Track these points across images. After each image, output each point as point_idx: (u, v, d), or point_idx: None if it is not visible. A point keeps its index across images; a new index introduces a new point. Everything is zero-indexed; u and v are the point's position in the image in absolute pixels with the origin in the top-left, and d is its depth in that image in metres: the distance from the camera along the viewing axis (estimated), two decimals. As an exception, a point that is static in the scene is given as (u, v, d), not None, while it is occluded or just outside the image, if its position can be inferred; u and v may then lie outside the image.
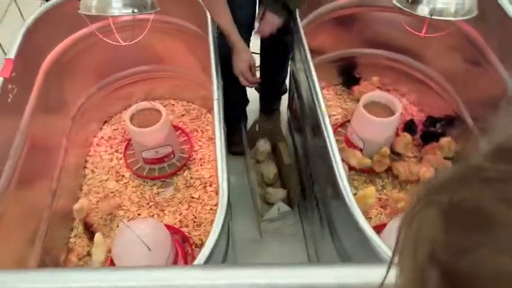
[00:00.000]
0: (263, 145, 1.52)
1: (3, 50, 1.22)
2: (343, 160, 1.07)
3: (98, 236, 1.26)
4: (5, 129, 1.12)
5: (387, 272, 0.32)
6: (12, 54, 1.18)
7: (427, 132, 1.55)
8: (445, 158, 1.45)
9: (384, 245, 0.82)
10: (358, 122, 1.47)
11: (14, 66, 1.15)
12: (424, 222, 0.29)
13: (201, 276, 0.48)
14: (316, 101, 1.09)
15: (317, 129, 1.13)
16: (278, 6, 1.27)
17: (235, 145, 1.56)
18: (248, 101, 1.63)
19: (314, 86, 1.11)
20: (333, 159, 0.97)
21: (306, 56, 1.17)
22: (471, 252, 0.25)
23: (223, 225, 0.88)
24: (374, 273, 0.43)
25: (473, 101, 1.39)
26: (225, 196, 0.92)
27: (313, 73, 1.13)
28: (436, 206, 0.28)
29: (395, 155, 1.53)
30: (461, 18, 1.15)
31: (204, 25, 1.35)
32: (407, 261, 0.30)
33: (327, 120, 1.05)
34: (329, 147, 0.99)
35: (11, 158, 1.12)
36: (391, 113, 1.47)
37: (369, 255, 0.84)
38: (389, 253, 0.81)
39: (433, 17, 1.14)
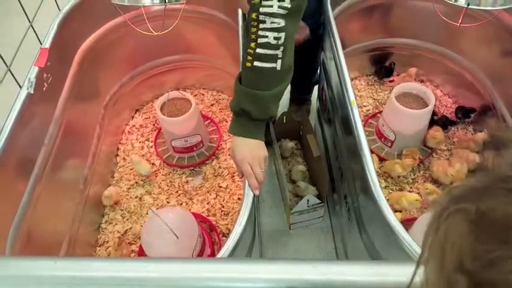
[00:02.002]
0: (286, 144, 1.52)
1: (38, 39, 1.25)
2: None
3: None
4: (40, 117, 1.16)
5: (413, 277, 0.32)
6: (47, 44, 1.21)
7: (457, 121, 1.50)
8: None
9: (412, 242, 0.80)
10: (390, 113, 1.43)
11: (48, 55, 1.18)
12: (451, 230, 0.29)
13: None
14: (345, 92, 1.06)
15: (346, 121, 1.10)
16: None
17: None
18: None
19: (344, 77, 1.08)
20: (361, 152, 0.95)
21: (336, 45, 1.14)
22: (501, 263, 0.25)
23: (249, 216, 0.88)
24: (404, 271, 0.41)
25: (510, 94, 1.31)
26: (250, 193, 0.91)
27: (343, 63, 1.10)
28: (463, 214, 0.28)
29: (427, 148, 1.48)
30: (500, 7, 1.08)
31: (234, 15, 1.34)
32: (434, 268, 0.29)
33: (356, 112, 1.02)
34: (357, 140, 0.97)
35: (45, 145, 1.16)
36: (424, 104, 1.42)
37: (396, 250, 0.82)
38: (418, 250, 0.79)
39: (471, 6, 1.08)
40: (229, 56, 1.55)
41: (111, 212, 1.44)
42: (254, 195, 0.91)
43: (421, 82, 1.65)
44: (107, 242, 1.37)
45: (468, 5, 1.08)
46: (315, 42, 1.45)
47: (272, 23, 0.82)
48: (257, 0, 0.82)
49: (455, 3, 1.08)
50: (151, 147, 1.60)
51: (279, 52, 0.84)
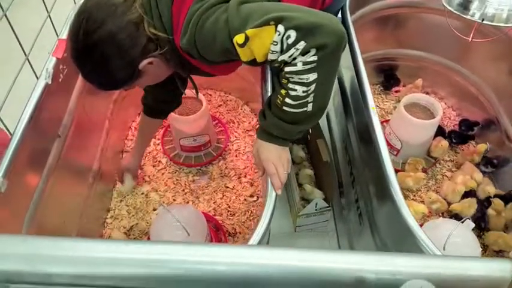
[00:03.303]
0: (297, 150, 1.54)
1: (55, 31, 1.24)
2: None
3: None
4: (56, 108, 1.15)
5: None
6: (64, 35, 1.20)
7: (461, 135, 1.54)
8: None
9: (430, 242, 0.83)
10: (397, 122, 1.46)
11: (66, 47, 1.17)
12: None
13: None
14: (365, 99, 1.08)
15: (362, 127, 1.13)
16: None
17: None
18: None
19: (363, 84, 1.11)
20: (381, 157, 0.97)
21: (355, 52, 1.16)
22: None
23: (271, 215, 0.89)
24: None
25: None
26: (273, 192, 0.92)
27: (363, 70, 1.12)
28: None
29: (431, 158, 1.52)
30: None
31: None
32: None
33: (376, 119, 1.04)
34: (377, 145, 0.99)
35: (59, 136, 1.14)
36: (431, 115, 1.46)
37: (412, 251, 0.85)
38: (435, 250, 0.81)
39: (484, 21, 1.12)
40: (241, 57, 1.56)
41: (117, 208, 1.43)
42: (276, 195, 0.92)
43: (425, 94, 1.70)
44: (110, 237, 1.36)
45: (482, 20, 1.12)
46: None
47: (300, 79, 0.78)
48: (278, 65, 0.79)
49: (470, 18, 1.12)
50: (158, 144, 1.59)
51: (308, 99, 0.80)
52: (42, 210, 1.01)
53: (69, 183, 1.19)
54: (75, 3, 1.33)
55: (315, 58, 0.76)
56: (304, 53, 0.76)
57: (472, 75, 1.52)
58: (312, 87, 0.79)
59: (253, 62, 0.84)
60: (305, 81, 0.78)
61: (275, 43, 0.76)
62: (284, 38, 0.75)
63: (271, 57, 0.79)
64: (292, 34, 0.75)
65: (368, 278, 0.37)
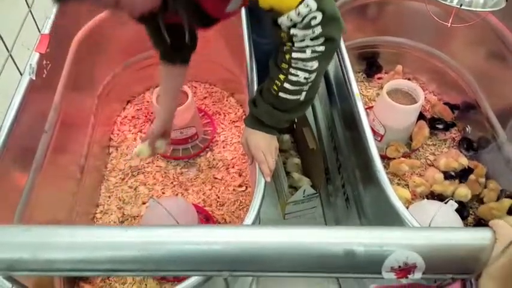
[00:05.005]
0: (283, 137, 1.55)
1: (37, 26, 1.22)
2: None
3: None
4: (41, 104, 1.14)
5: None
6: (46, 30, 1.19)
7: (443, 122, 1.58)
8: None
9: (415, 221, 0.86)
10: (380, 108, 1.50)
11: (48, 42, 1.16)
12: None
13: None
14: (349, 86, 1.11)
15: (347, 114, 1.15)
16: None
17: None
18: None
19: (347, 71, 1.13)
20: (366, 140, 0.99)
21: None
22: None
23: (261, 202, 0.91)
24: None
25: (495, 95, 1.41)
26: (262, 179, 0.94)
27: (346, 57, 1.15)
28: None
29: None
30: (489, 9, 1.16)
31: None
32: None
33: (360, 104, 1.07)
34: (362, 129, 1.02)
35: (46, 132, 1.13)
36: (413, 100, 1.49)
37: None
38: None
39: (463, 7, 1.15)
40: (225, 49, 1.56)
41: (106, 203, 1.43)
42: (265, 183, 0.94)
43: (407, 80, 1.73)
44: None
45: (461, 6, 1.15)
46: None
47: (305, 65, 0.79)
48: (289, 44, 0.79)
49: (449, 4, 1.15)
50: (145, 138, 1.59)
51: (305, 87, 0.83)
52: (31, 207, 1.01)
53: (57, 179, 1.18)
54: (55, -3, 1.31)
55: (323, 48, 0.78)
56: (314, 38, 0.76)
57: (452, 60, 1.56)
58: (313, 75, 0.81)
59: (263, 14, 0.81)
60: (309, 68, 0.80)
61: (298, 14, 0.74)
62: (310, 15, 0.74)
63: (284, 22, 0.76)
64: (319, 17, 0.75)
65: (356, 250, 0.39)
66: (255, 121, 0.92)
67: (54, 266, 0.43)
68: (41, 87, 1.11)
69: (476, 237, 0.40)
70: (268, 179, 0.94)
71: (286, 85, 0.83)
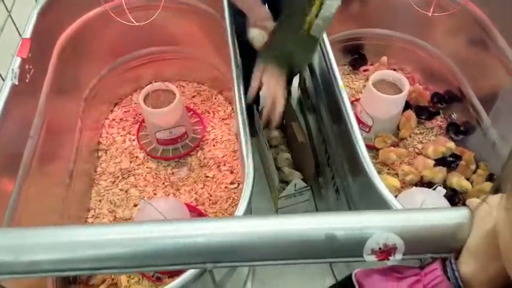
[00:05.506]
0: (274, 134, 1.55)
1: (18, 31, 1.21)
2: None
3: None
4: (25, 109, 1.13)
5: None
6: (28, 34, 1.18)
7: (425, 107, 1.60)
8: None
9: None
10: (367, 99, 1.51)
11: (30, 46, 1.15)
12: None
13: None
14: (333, 79, 1.12)
15: (333, 106, 1.16)
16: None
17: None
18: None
19: (331, 64, 1.14)
20: (351, 131, 1.00)
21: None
22: None
23: (248, 202, 0.91)
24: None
25: (478, 80, 1.43)
26: (250, 173, 0.94)
27: (329, 50, 1.15)
28: None
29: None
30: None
31: (216, 5, 1.35)
32: None
33: (345, 95, 1.08)
34: (347, 120, 1.03)
35: (31, 138, 1.13)
36: (399, 90, 1.50)
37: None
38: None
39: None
40: (211, 47, 1.56)
41: (97, 207, 1.42)
42: (254, 177, 0.94)
43: (393, 70, 1.75)
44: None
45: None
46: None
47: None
48: None
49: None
50: (134, 140, 1.59)
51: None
52: (19, 214, 1.00)
53: (45, 184, 1.18)
54: (36, 1, 1.31)
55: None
56: None
57: (435, 49, 1.57)
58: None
59: None
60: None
61: None
62: None
63: None
64: None
65: (337, 234, 0.39)
66: (282, 57, 1.02)
67: (38, 268, 0.43)
68: (24, 92, 1.10)
69: (454, 216, 0.40)
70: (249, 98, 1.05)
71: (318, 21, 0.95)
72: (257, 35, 1.16)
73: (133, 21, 1.33)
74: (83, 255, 0.42)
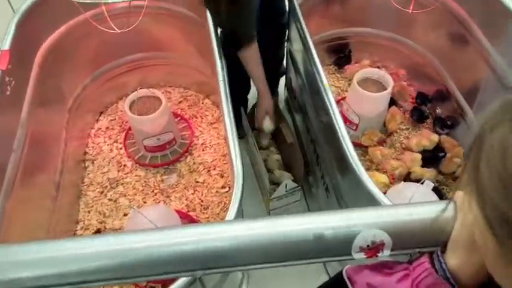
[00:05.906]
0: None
1: (-4, 43, 1.19)
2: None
3: None
4: (7, 122, 1.11)
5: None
6: (6, 46, 1.16)
7: (418, 109, 1.61)
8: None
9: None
10: (353, 98, 1.51)
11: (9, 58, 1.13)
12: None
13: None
14: (317, 77, 1.12)
15: (319, 105, 1.16)
16: None
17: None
18: (250, 88, 1.64)
19: (315, 62, 1.14)
20: (337, 129, 1.01)
21: (304, 34, 1.20)
22: None
23: (239, 206, 0.91)
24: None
25: (460, 75, 1.44)
26: (240, 176, 0.94)
27: (313, 49, 1.16)
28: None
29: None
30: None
31: (199, 10, 1.35)
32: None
33: (329, 93, 1.08)
34: (333, 117, 1.03)
35: (14, 151, 1.11)
36: (383, 88, 1.52)
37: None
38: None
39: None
40: (195, 52, 1.56)
41: (86, 219, 1.40)
42: (243, 180, 0.94)
43: (377, 68, 1.76)
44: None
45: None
46: (279, 32, 1.49)
47: None
48: None
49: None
50: (121, 148, 1.57)
51: None
52: (5, 230, 0.98)
53: (31, 198, 1.16)
54: (14, 12, 1.29)
55: None
56: None
57: (417, 46, 1.59)
58: None
59: None
60: None
61: None
62: None
63: None
64: None
65: (325, 233, 0.39)
66: None
67: (24, 285, 0.42)
68: (5, 105, 1.08)
69: (439, 210, 0.40)
70: None
71: None
72: (268, 126, 1.45)
73: (115, 28, 1.32)
74: (68, 270, 0.41)
